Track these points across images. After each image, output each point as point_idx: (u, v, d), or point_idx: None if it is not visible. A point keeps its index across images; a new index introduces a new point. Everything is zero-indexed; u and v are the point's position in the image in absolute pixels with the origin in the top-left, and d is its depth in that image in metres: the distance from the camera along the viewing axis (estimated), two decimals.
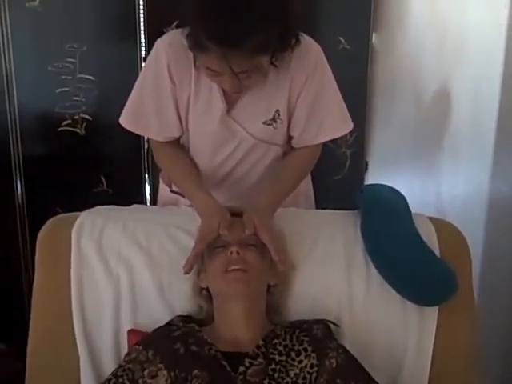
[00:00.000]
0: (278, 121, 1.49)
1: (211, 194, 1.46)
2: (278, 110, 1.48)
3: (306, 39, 1.44)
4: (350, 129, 1.53)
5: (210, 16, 1.21)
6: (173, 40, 1.42)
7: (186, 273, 1.35)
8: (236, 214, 1.43)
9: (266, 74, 1.35)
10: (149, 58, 1.50)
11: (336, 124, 1.52)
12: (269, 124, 1.50)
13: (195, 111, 1.48)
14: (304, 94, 1.47)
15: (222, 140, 1.54)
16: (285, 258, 1.37)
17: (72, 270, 1.45)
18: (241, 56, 1.22)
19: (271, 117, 1.49)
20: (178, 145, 1.59)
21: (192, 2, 1.26)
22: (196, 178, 1.52)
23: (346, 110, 1.52)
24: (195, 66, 1.39)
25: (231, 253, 1.31)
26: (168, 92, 1.46)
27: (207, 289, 1.38)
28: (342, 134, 1.53)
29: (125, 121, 1.51)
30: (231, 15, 1.18)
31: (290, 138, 1.57)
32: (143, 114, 1.49)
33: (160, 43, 1.45)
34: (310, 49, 1.45)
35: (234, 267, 1.29)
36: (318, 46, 1.47)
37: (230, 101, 1.47)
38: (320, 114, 1.49)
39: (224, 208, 1.41)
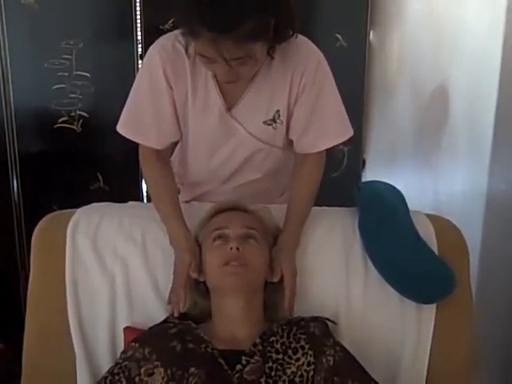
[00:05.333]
0: (278, 121, 1.49)
1: (185, 223, 1.45)
2: (278, 111, 1.47)
3: (307, 44, 1.44)
4: (350, 135, 1.51)
5: (202, 0, 1.19)
6: (164, 43, 1.41)
7: (182, 311, 1.34)
8: (236, 207, 1.43)
9: (259, 64, 1.33)
10: (143, 65, 1.48)
11: (335, 131, 1.50)
12: (269, 124, 1.49)
13: (194, 109, 1.47)
14: (303, 99, 1.45)
15: (221, 139, 1.52)
16: (292, 308, 1.37)
17: (67, 267, 1.44)
18: (231, 42, 1.20)
19: (271, 117, 1.48)
20: (167, 162, 1.56)
21: None
22: (174, 204, 1.49)
23: (346, 117, 1.50)
24: (187, 53, 1.38)
25: (231, 248, 1.30)
26: (166, 97, 1.44)
27: (204, 283, 1.37)
28: (342, 140, 1.51)
29: (123, 129, 1.48)
30: (223, 0, 1.17)
31: (290, 141, 1.56)
32: (141, 122, 1.47)
33: (152, 49, 1.43)
34: (311, 55, 1.44)
35: (233, 263, 1.29)
36: (320, 53, 1.45)
37: (232, 99, 1.46)
38: (319, 120, 1.47)
39: (194, 244, 1.40)
